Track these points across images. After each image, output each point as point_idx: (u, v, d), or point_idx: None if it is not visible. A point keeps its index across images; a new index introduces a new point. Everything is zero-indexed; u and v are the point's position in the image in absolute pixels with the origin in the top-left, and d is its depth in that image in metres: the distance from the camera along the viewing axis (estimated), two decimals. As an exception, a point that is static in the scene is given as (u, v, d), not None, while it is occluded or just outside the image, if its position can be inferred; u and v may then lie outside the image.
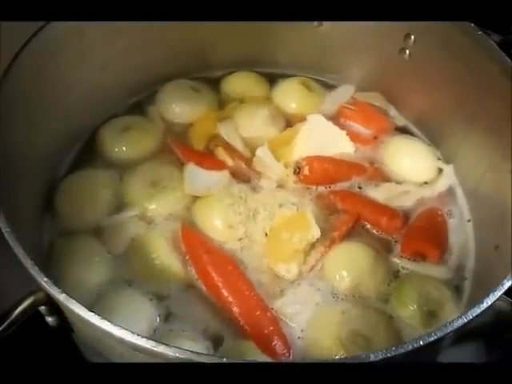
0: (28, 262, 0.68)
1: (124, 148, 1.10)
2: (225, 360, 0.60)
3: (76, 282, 0.91)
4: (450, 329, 0.65)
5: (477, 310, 0.67)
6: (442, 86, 1.08)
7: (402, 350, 0.63)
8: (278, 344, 0.88)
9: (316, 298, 0.94)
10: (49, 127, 1.00)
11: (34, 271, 0.67)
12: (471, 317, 0.66)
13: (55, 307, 0.72)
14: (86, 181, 1.05)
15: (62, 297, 0.65)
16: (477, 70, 0.98)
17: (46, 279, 0.66)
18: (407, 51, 1.11)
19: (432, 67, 1.08)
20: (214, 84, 1.23)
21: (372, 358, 0.61)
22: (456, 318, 0.66)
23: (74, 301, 0.65)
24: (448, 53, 1.02)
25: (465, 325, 0.66)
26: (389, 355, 0.62)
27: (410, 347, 0.63)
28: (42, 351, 0.91)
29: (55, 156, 1.06)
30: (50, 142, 1.02)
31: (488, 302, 0.68)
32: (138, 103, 1.20)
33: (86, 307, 0.66)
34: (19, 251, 0.68)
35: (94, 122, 1.13)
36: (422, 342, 0.63)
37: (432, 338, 0.63)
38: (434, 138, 1.17)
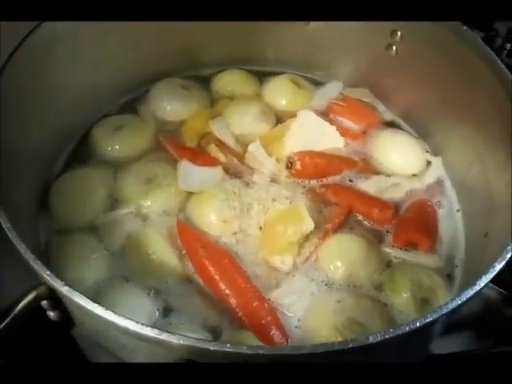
0: (30, 257, 0.68)
1: (117, 147, 1.11)
2: (228, 345, 0.61)
3: (74, 280, 0.89)
4: (444, 310, 0.67)
5: (470, 292, 0.69)
6: (429, 80, 1.10)
7: (400, 332, 0.64)
8: (275, 333, 0.89)
9: (311, 288, 0.96)
10: (42, 127, 1.01)
11: (36, 265, 0.68)
12: (465, 299, 0.68)
13: (57, 301, 0.72)
14: (80, 179, 1.05)
15: (65, 289, 0.66)
16: (463, 65, 1.00)
17: (48, 272, 0.67)
18: (394, 47, 1.13)
19: (418, 63, 1.10)
20: (205, 82, 1.25)
21: (371, 339, 0.63)
22: (450, 300, 0.68)
23: (78, 293, 0.66)
24: (434, 48, 1.05)
25: (459, 307, 0.68)
26: (387, 337, 0.64)
27: (407, 329, 0.65)
28: (42, 347, 0.91)
29: (49, 155, 1.07)
30: (44, 141, 1.03)
31: (480, 284, 0.70)
32: (130, 102, 1.21)
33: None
34: (20, 246, 0.69)
35: (87, 122, 1.14)
36: (418, 324, 0.65)
37: (428, 320, 0.65)
38: (422, 131, 1.19)
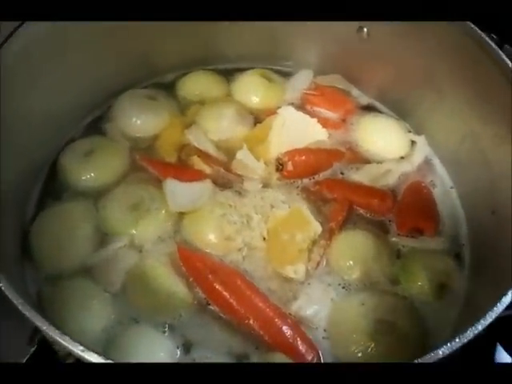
0: (65, 338, 0.59)
1: (92, 174, 1.01)
2: None
3: (78, 332, 0.82)
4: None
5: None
6: (406, 59, 1.07)
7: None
8: (304, 349, 0.86)
9: (330, 293, 0.93)
10: (6, 163, 0.89)
11: (72, 345, 0.59)
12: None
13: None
14: (58, 218, 0.95)
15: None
16: (446, 39, 0.98)
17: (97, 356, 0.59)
18: (365, 29, 1.09)
19: (394, 42, 1.06)
20: (169, 89, 1.17)
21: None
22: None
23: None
24: (411, 25, 1.00)
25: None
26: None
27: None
28: None
29: (20, 194, 0.96)
30: (11, 179, 0.92)
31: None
32: (94, 122, 1.11)
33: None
34: (49, 328, 0.60)
35: (52, 151, 1.04)
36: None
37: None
38: (400, 111, 1.17)
